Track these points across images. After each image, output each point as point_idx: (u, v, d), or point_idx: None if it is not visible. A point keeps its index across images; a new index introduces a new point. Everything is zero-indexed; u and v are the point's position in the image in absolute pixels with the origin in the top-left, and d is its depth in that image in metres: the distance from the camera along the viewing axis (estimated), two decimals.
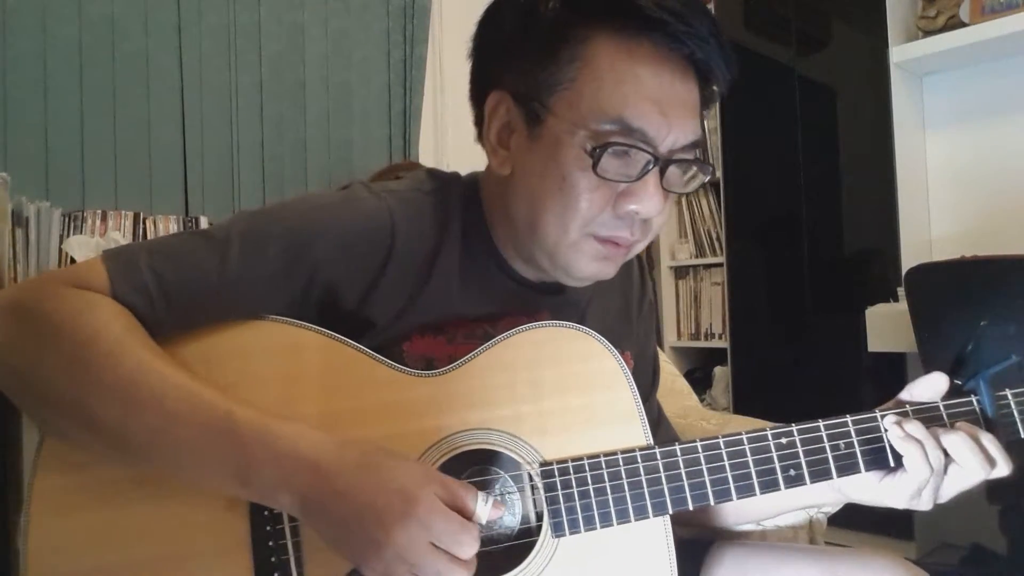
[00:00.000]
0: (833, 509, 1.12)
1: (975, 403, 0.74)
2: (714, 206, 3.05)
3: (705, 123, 0.74)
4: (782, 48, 2.71)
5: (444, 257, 0.75)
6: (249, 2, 2.49)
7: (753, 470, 0.70)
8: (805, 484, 0.71)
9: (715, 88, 0.72)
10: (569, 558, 0.68)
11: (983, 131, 2.53)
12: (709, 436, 0.70)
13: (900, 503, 0.72)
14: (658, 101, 0.67)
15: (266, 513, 0.65)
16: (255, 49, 2.52)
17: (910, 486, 0.70)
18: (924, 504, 0.71)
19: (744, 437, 0.71)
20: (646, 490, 0.69)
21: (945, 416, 0.73)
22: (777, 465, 0.70)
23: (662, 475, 0.69)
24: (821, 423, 0.72)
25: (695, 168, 0.72)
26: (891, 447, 0.71)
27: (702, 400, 2.92)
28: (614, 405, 0.72)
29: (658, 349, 1.01)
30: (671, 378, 1.62)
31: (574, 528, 0.68)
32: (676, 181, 0.72)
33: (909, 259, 2.31)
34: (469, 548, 0.59)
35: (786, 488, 0.70)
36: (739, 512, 0.86)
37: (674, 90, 0.68)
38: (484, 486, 0.70)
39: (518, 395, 0.71)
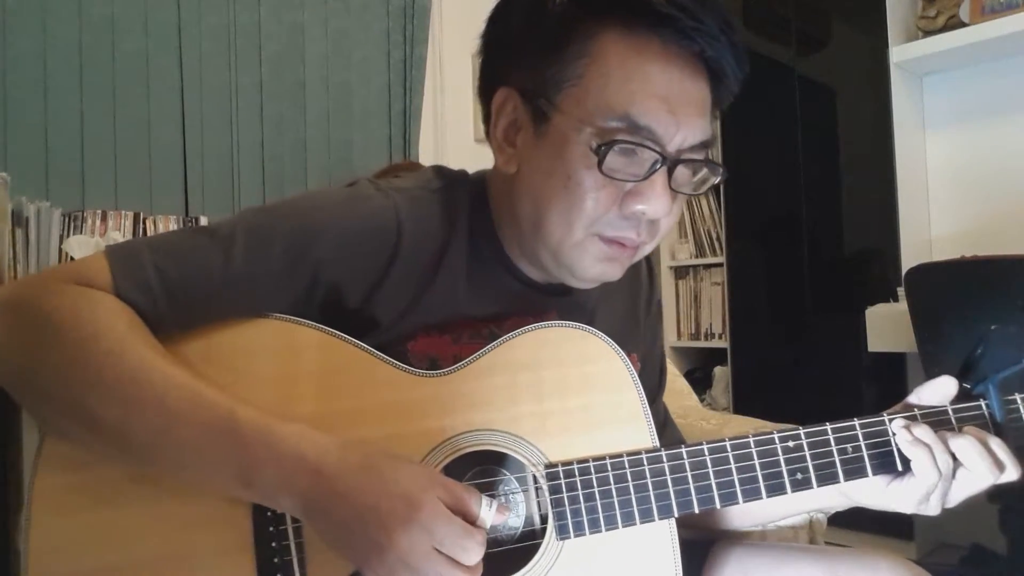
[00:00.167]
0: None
1: (984, 407, 0.73)
2: (714, 206, 3.05)
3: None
4: (782, 48, 2.71)
5: (450, 257, 0.74)
6: (249, 2, 2.49)
7: (760, 473, 0.69)
8: (812, 488, 0.70)
9: (727, 87, 0.70)
10: (573, 561, 0.68)
11: (983, 131, 2.53)
12: (715, 439, 0.69)
13: (908, 508, 0.71)
14: (666, 99, 0.66)
15: (269, 513, 0.64)
16: (255, 49, 2.52)
17: (918, 491, 0.69)
18: (932, 509, 0.71)
19: (751, 440, 0.70)
20: (651, 493, 0.68)
21: (954, 420, 0.72)
22: (784, 468, 0.70)
23: (668, 478, 0.69)
24: (828, 426, 0.71)
25: (706, 169, 0.71)
26: (899, 451, 0.70)
27: (702, 400, 2.92)
28: (620, 407, 0.72)
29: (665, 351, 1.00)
30: (671, 378, 1.62)
31: (579, 531, 0.67)
32: (685, 182, 0.71)
33: (909, 259, 2.31)
34: (473, 554, 0.59)
35: (792, 492, 0.69)
36: (743, 515, 0.85)
37: (683, 88, 0.67)
38: (488, 488, 0.70)
39: (523, 396, 0.70)
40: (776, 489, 0.69)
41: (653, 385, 0.92)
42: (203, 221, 2.34)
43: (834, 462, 0.70)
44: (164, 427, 0.60)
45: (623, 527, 0.68)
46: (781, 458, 0.70)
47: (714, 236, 3.10)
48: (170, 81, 2.35)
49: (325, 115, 2.66)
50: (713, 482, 0.69)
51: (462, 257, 0.75)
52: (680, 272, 3.23)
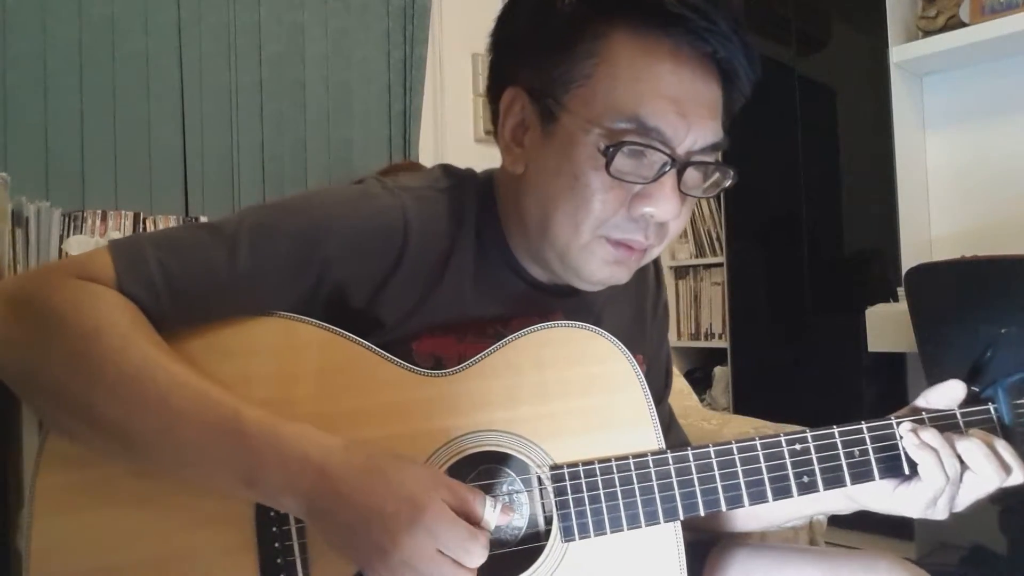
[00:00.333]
0: None
1: (993, 411, 0.73)
2: (714, 206, 3.05)
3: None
4: (782, 48, 2.71)
5: (458, 258, 0.74)
6: (249, 2, 2.49)
7: (766, 476, 0.69)
8: (818, 491, 0.69)
9: (739, 89, 0.70)
10: (578, 563, 0.68)
11: (983, 131, 2.53)
12: (721, 442, 0.69)
13: (915, 512, 0.71)
14: (676, 100, 0.65)
15: (272, 514, 0.64)
16: (255, 49, 2.51)
17: (925, 495, 0.69)
18: (939, 513, 0.70)
19: (757, 443, 0.69)
20: (657, 495, 0.68)
21: (962, 423, 0.72)
22: (791, 472, 0.69)
23: (674, 480, 0.68)
24: (836, 429, 0.71)
25: (717, 173, 0.70)
26: (906, 455, 0.70)
27: (702, 400, 2.92)
28: (626, 408, 0.71)
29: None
30: None
31: (584, 533, 0.67)
32: (695, 184, 0.70)
33: (909, 259, 2.31)
34: (477, 557, 0.59)
35: (799, 495, 0.69)
36: (748, 518, 0.85)
37: (694, 89, 0.66)
38: (492, 489, 0.70)
39: (528, 396, 0.70)
40: (782, 492, 0.69)
41: (659, 387, 0.91)
42: (203, 221, 2.34)
43: (841, 465, 0.70)
44: (167, 425, 0.60)
45: (628, 529, 0.68)
46: (787, 461, 0.69)
47: (714, 236, 3.10)
48: (170, 81, 2.34)
49: (325, 115, 2.66)
50: (719, 485, 0.68)
51: (469, 257, 0.75)
52: (680, 272, 3.23)
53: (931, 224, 2.63)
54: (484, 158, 0.78)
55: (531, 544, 0.69)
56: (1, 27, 2.02)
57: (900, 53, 2.48)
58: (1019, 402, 0.73)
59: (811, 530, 1.31)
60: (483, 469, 0.70)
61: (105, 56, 2.21)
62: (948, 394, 0.73)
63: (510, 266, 0.77)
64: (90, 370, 0.60)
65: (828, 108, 2.67)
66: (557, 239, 0.70)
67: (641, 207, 0.67)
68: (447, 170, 0.79)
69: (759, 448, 0.69)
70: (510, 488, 0.70)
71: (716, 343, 3.07)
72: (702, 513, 0.68)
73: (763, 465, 0.69)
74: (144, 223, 2.22)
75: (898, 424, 0.71)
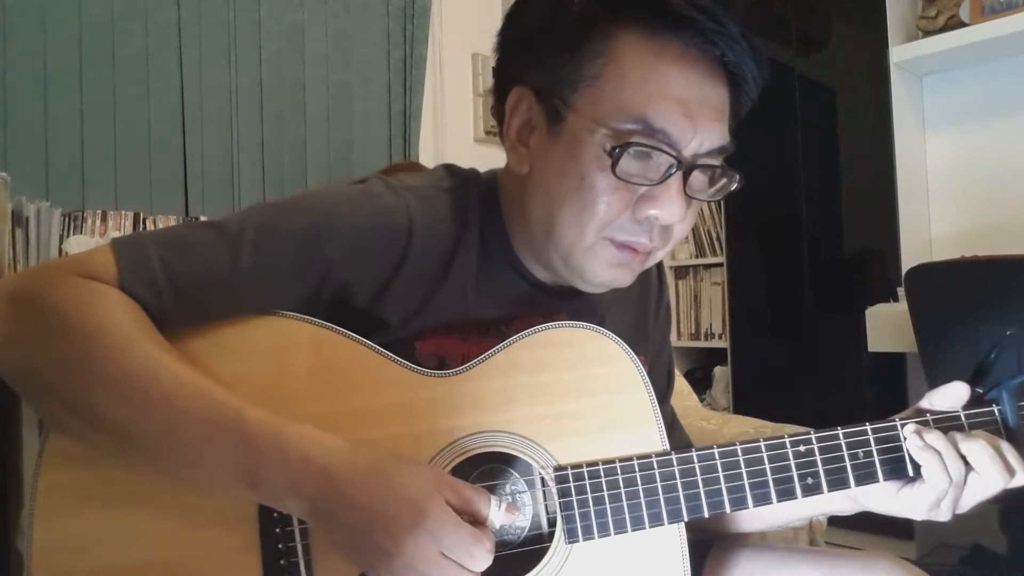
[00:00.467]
0: None
1: (997, 412, 0.73)
2: (714, 206, 3.04)
3: None
4: (782, 48, 2.71)
5: (461, 258, 0.74)
6: (249, 2, 2.49)
7: (770, 478, 0.69)
8: (822, 493, 0.69)
9: (747, 93, 0.70)
10: (582, 564, 0.68)
11: (983, 131, 2.53)
12: (726, 443, 0.69)
13: (918, 514, 0.71)
14: (684, 102, 0.65)
15: (276, 514, 0.64)
16: (255, 49, 2.51)
17: (929, 497, 0.69)
18: (943, 515, 0.70)
19: (762, 444, 0.69)
20: (661, 497, 0.68)
21: (966, 425, 0.72)
22: (795, 473, 0.69)
23: (678, 482, 0.68)
24: (840, 431, 0.71)
25: (723, 178, 0.70)
26: (910, 457, 0.70)
27: (702, 400, 2.92)
28: (630, 409, 0.71)
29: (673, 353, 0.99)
30: None
31: (588, 534, 0.67)
32: (701, 188, 0.70)
33: (909, 259, 2.31)
34: (480, 560, 0.59)
35: (803, 496, 0.69)
36: (751, 519, 0.85)
37: (702, 92, 0.66)
38: (496, 490, 0.69)
39: (532, 397, 0.70)
40: (786, 494, 0.69)
41: (661, 388, 0.91)
42: None
43: (845, 467, 0.70)
44: (170, 425, 0.60)
45: (632, 531, 0.67)
46: (792, 462, 0.69)
47: (714, 236, 3.10)
48: (170, 81, 2.34)
49: (325, 115, 2.66)
50: (723, 487, 0.68)
51: (473, 258, 0.74)
52: (680, 272, 3.23)
53: (931, 224, 2.63)
54: (484, 158, 0.78)
55: (535, 545, 0.69)
56: (1, 27, 2.02)
57: (900, 53, 2.48)
58: (1023, 403, 0.73)
59: (811, 530, 1.31)
60: (487, 470, 0.70)
61: (105, 56, 2.21)
62: (952, 396, 0.73)
63: (513, 267, 0.77)
64: (92, 369, 0.60)
65: (828, 108, 2.67)
66: (561, 240, 0.70)
67: (646, 209, 0.67)
68: (450, 170, 0.79)
69: (763, 450, 0.69)
70: (514, 489, 0.70)
71: (716, 343, 3.07)
72: (706, 515, 0.68)
73: (767, 467, 0.69)
74: (144, 223, 2.21)
75: (903, 426, 0.71)
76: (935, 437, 0.69)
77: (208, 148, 2.42)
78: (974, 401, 0.73)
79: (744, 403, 2.79)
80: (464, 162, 0.83)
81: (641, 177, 0.66)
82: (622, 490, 0.68)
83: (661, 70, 0.65)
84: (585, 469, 0.68)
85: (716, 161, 0.69)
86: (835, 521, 1.24)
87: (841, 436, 0.70)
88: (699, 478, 0.68)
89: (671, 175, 0.66)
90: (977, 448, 0.68)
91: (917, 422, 0.71)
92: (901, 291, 1.97)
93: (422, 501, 0.58)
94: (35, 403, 0.64)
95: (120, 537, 0.62)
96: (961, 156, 2.57)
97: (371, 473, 0.59)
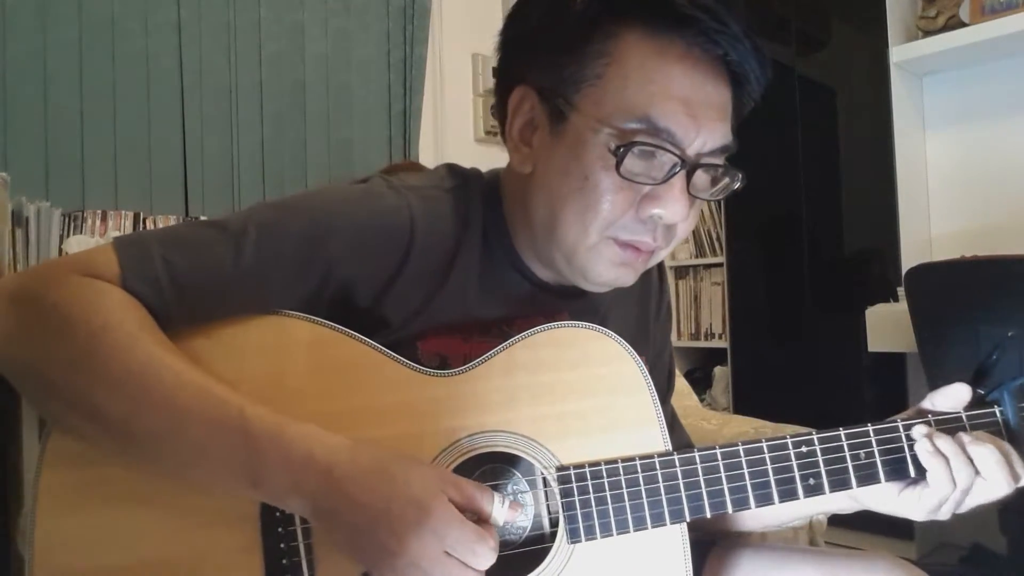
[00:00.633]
0: None
1: (998, 414, 0.73)
2: (714, 206, 3.04)
3: None
4: (782, 48, 2.71)
5: (463, 258, 0.74)
6: (249, 2, 2.49)
7: (772, 478, 0.69)
8: (824, 494, 0.69)
9: (749, 92, 0.70)
10: (584, 564, 0.68)
11: (983, 131, 2.53)
12: (728, 443, 0.69)
13: (919, 516, 0.71)
14: (687, 101, 0.65)
15: (278, 514, 0.64)
16: (255, 49, 2.51)
17: (931, 500, 0.69)
18: (942, 516, 0.70)
19: (764, 445, 0.69)
20: (664, 497, 0.68)
21: (967, 426, 0.72)
22: (796, 474, 0.69)
23: (680, 482, 0.68)
24: (842, 431, 0.71)
25: (726, 177, 0.71)
26: (913, 459, 0.70)
27: (702, 400, 2.92)
28: (633, 409, 0.71)
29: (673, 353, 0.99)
30: None
31: (590, 534, 0.67)
32: (704, 187, 0.70)
33: (909, 259, 2.31)
34: (484, 558, 0.58)
35: (805, 497, 0.69)
36: (752, 519, 0.85)
37: (705, 91, 0.66)
38: (498, 490, 0.69)
39: (534, 397, 0.70)
40: (788, 495, 0.69)
41: (662, 388, 0.91)
42: None
43: (847, 468, 0.70)
44: (172, 424, 0.59)
45: (635, 531, 0.67)
46: (794, 463, 0.69)
47: (714, 236, 3.10)
48: (170, 81, 2.34)
49: (325, 115, 2.66)
50: (725, 487, 0.68)
51: (475, 257, 0.75)
52: (680, 272, 3.23)
53: (931, 224, 2.63)
54: (484, 158, 0.78)
55: (537, 546, 0.69)
56: (1, 27, 2.02)
57: (900, 53, 2.48)
58: None
59: (811, 530, 1.31)
60: (489, 470, 0.70)
61: (105, 56, 2.21)
62: (954, 397, 0.73)
63: (516, 266, 0.77)
64: (95, 368, 0.59)
65: (828, 108, 2.67)
66: (564, 240, 0.70)
67: (650, 208, 0.67)
68: (452, 170, 0.79)
69: (765, 450, 0.69)
70: (516, 489, 0.70)
71: (716, 343, 3.07)
72: (708, 515, 0.68)
73: (769, 467, 0.69)
74: (144, 223, 2.22)
75: (911, 427, 0.71)
76: (945, 443, 0.68)
77: (208, 148, 2.42)
78: (975, 402, 0.73)
79: (744, 403, 2.79)
80: (464, 162, 0.83)
81: (645, 176, 0.66)
82: (624, 490, 0.68)
83: (664, 70, 0.65)
84: (587, 469, 0.68)
85: (719, 160, 0.69)
86: (835, 521, 1.24)
87: (843, 437, 0.70)
88: (701, 478, 0.68)
89: (675, 174, 0.66)
90: (984, 452, 0.67)
91: (923, 423, 0.71)
92: (901, 291, 1.97)
93: (426, 499, 0.58)
94: (37, 402, 0.64)
95: (122, 536, 0.62)
96: (961, 156, 2.57)
97: (374, 471, 0.59)
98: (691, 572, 0.69)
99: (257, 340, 0.67)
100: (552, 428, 0.69)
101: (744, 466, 0.69)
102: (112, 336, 0.60)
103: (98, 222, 2.13)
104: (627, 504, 0.67)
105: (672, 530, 0.69)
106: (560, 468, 0.68)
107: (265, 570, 0.63)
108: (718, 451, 0.69)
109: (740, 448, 0.69)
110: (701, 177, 0.69)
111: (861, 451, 0.70)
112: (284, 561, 0.63)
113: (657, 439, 0.71)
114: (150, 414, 0.59)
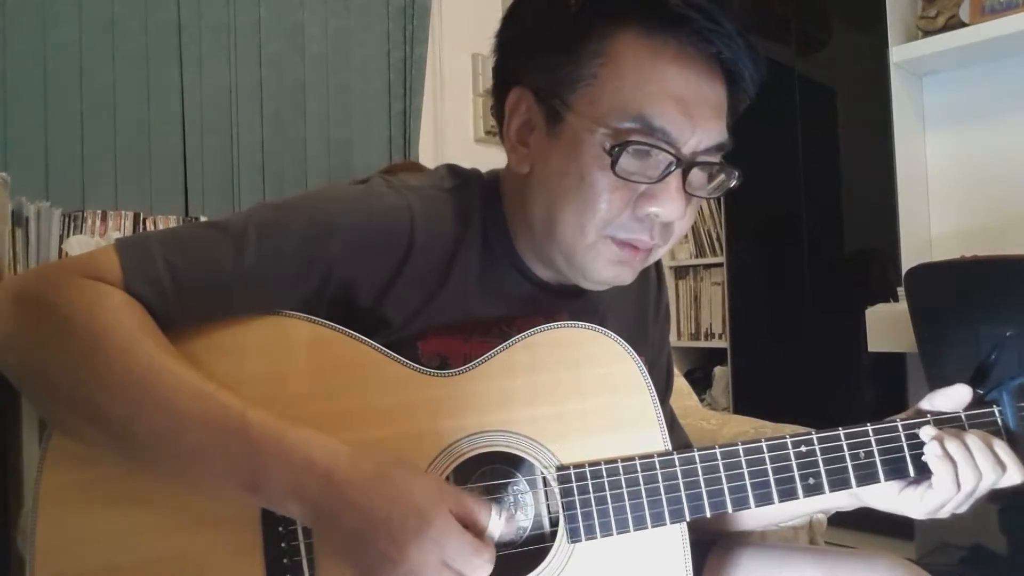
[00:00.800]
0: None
1: (997, 414, 0.73)
2: (714, 206, 3.05)
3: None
4: (782, 48, 2.71)
5: (463, 258, 0.74)
6: (249, 2, 2.49)
7: (772, 478, 0.69)
8: (824, 493, 0.70)
9: (744, 90, 0.70)
10: (584, 564, 0.68)
11: (983, 131, 2.53)
12: (728, 443, 0.69)
13: (919, 514, 0.71)
14: (682, 100, 0.66)
15: (278, 515, 0.64)
16: (255, 49, 2.51)
17: (933, 501, 0.70)
18: (942, 514, 0.71)
19: (764, 444, 0.69)
20: (663, 496, 0.68)
21: (967, 426, 0.72)
22: (796, 473, 0.69)
23: (680, 482, 0.68)
24: (841, 431, 0.71)
25: (722, 174, 0.71)
26: (912, 458, 0.70)
27: (702, 400, 2.92)
28: (632, 409, 0.71)
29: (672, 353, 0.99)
30: None
31: (590, 534, 0.67)
32: (700, 185, 0.71)
33: (909, 259, 2.31)
34: (481, 571, 0.59)
35: (804, 497, 0.69)
36: (752, 517, 0.85)
37: (700, 90, 0.66)
38: (499, 490, 0.70)
39: (534, 397, 0.70)
40: (788, 494, 0.69)
41: (661, 388, 0.91)
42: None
43: (846, 467, 0.70)
44: (172, 427, 0.60)
45: (635, 530, 0.68)
46: (794, 463, 0.70)
47: (714, 236, 3.10)
48: (170, 81, 2.34)
49: (325, 115, 2.66)
50: (725, 487, 0.69)
51: (475, 258, 0.75)
52: (680, 272, 3.23)
53: (931, 224, 2.63)
54: (484, 158, 0.78)
55: (537, 545, 0.69)
56: (1, 27, 2.02)
57: (900, 53, 2.48)
58: (1023, 404, 0.73)
59: (811, 530, 1.31)
60: (489, 469, 0.70)
61: (105, 56, 2.21)
62: (954, 398, 0.73)
63: (515, 266, 0.77)
64: (96, 370, 0.60)
65: (828, 108, 2.67)
66: (563, 239, 0.70)
67: (646, 207, 0.67)
68: (452, 170, 0.79)
69: (765, 450, 0.69)
70: (516, 489, 0.70)
71: (716, 343, 3.08)
72: (708, 514, 0.68)
73: (769, 467, 0.69)
74: (144, 223, 2.21)
75: (911, 427, 0.71)
76: (955, 446, 0.69)
77: (208, 148, 2.41)
78: (974, 402, 0.74)
79: (744, 403, 2.79)
80: (464, 162, 0.83)
81: (641, 175, 0.66)
82: (624, 490, 0.68)
83: (659, 69, 0.66)
84: (588, 469, 0.68)
85: (715, 158, 0.69)
86: (835, 521, 1.24)
87: (843, 436, 0.71)
88: (701, 478, 0.69)
89: (670, 173, 0.67)
90: (969, 441, 0.69)
91: (924, 422, 0.72)
92: (901, 291, 1.97)
93: (427, 509, 0.58)
94: (39, 403, 0.64)
95: (123, 537, 0.62)
96: (961, 156, 2.58)
97: (375, 477, 0.59)
98: (691, 572, 0.69)
99: (257, 340, 0.68)
100: (552, 428, 0.69)
101: (744, 466, 0.69)
102: (113, 339, 0.60)
103: (98, 222, 2.13)
104: (627, 504, 0.68)
105: (672, 530, 0.69)
106: (560, 468, 0.68)
107: (265, 570, 0.63)
108: (718, 451, 0.69)
109: (740, 448, 0.69)
110: (697, 175, 0.69)
111: (860, 451, 0.71)
112: (285, 561, 0.63)
113: (657, 439, 0.71)
114: (150, 416, 0.60)
